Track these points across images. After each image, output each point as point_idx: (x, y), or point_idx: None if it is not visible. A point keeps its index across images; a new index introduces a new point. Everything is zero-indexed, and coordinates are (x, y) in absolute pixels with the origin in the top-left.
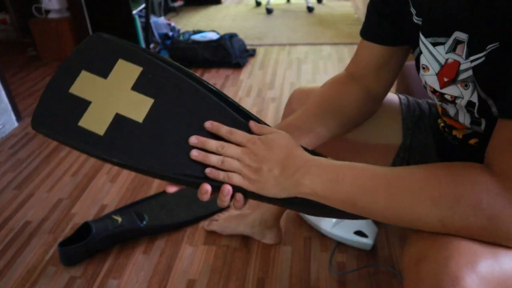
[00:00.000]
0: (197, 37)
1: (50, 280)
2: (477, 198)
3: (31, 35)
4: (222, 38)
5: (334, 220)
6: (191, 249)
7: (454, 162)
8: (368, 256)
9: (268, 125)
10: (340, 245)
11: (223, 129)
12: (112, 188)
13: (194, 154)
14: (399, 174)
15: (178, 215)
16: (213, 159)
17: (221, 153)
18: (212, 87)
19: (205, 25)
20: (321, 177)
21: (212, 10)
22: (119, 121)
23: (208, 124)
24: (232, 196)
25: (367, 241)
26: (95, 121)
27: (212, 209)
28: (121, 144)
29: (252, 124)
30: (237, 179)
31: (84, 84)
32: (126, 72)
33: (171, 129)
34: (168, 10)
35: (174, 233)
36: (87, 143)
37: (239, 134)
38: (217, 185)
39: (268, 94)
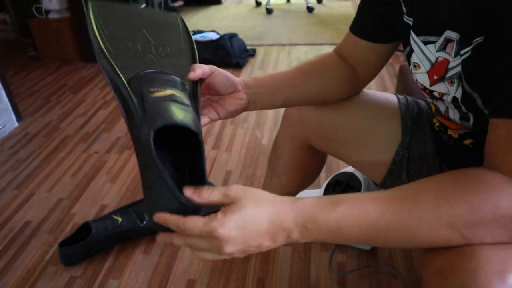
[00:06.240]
0: (197, 37)
1: (50, 280)
2: (495, 204)
3: (31, 35)
4: (222, 38)
5: None
6: None
7: (460, 172)
8: (368, 256)
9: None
10: (340, 245)
11: (172, 222)
12: (112, 188)
13: (158, 239)
14: (409, 205)
15: None
16: (180, 243)
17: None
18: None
19: (205, 25)
20: (320, 232)
21: (212, 10)
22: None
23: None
24: None
25: None
26: None
27: (214, 208)
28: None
29: (194, 195)
30: (208, 257)
31: None
32: None
33: None
34: (168, 10)
35: (174, 233)
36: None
37: (196, 227)
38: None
39: None
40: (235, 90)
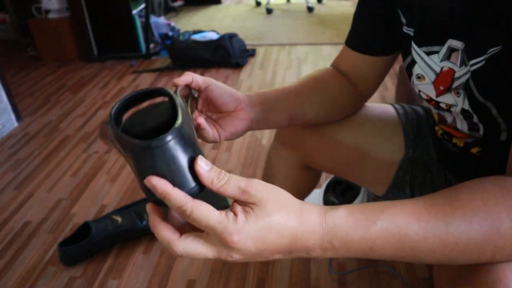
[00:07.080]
0: (197, 37)
1: (50, 280)
2: None
3: (31, 35)
4: (222, 38)
5: None
6: None
7: (505, 185)
8: None
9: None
10: None
11: (175, 200)
12: (112, 188)
13: (148, 207)
14: (456, 232)
15: None
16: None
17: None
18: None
19: (205, 25)
20: (347, 251)
21: (212, 10)
22: None
23: (148, 182)
24: None
25: None
26: None
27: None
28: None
29: (209, 181)
30: (201, 258)
31: None
32: None
33: None
34: (168, 10)
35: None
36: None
37: (205, 221)
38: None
39: None
40: (238, 108)
